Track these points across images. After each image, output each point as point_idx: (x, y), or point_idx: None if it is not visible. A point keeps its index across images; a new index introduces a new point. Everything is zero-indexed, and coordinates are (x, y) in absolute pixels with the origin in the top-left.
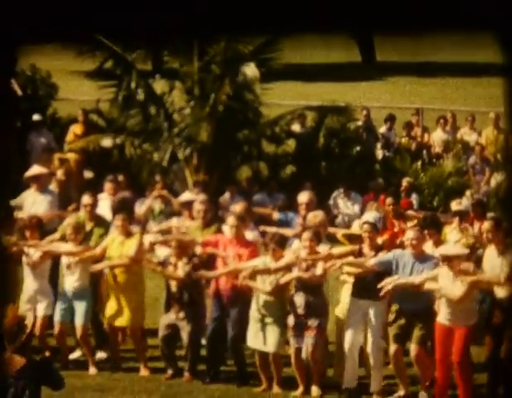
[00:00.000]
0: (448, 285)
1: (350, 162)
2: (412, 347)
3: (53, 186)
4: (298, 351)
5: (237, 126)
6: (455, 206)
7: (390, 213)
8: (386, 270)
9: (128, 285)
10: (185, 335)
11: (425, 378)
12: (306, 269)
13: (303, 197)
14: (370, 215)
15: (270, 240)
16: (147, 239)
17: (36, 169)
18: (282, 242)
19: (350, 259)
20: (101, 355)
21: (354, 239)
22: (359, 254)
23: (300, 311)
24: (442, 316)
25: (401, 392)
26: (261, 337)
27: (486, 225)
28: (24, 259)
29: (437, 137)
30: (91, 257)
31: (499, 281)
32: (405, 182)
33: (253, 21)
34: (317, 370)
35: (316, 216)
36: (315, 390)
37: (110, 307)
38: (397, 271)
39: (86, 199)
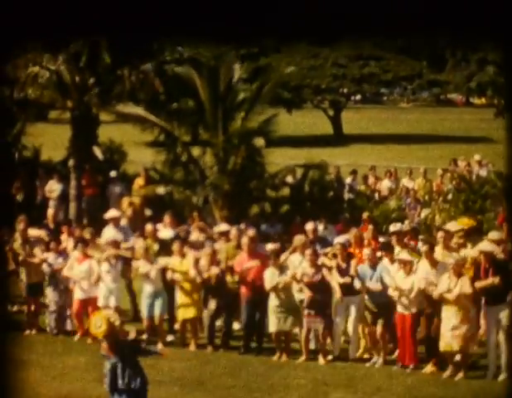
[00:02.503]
0: (401, 281)
1: (326, 202)
2: (378, 328)
3: (124, 221)
4: (308, 331)
5: (249, 178)
6: (392, 227)
7: (370, 236)
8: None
9: (189, 287)
10: (220, 322)
11: (385, 349)
12: (312, 276)
13: (309, 226)
14: (341, 238)
15: (271, 254)
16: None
17: (112, 212)
18: (279, 255)
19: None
20: (171, 338)
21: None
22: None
23: (307, 303)
24: (398, 306)
25: (375, 358)
26: (280, 322)
27: (420, 244)
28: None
29: (385, 184)
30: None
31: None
32: (365, 215)
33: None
34: (323, 345)
35: (300, 240)
36: (321, 359)
37: (180, 304)
38: (365, 277)
39: (149, 228)
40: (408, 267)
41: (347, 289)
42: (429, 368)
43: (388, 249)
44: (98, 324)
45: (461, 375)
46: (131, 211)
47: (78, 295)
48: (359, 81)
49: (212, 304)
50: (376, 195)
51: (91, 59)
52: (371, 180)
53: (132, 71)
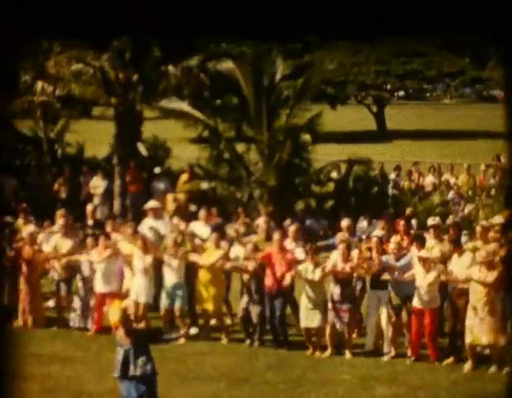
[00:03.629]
0: (421, 278)
1: (371, 197)
2: (404, 316)
3: (167, 218)
4: (333, 326)
5: (294, 174)
6: (430, 221)
7: (402, 231)
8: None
9: (211, 281)
10: (254, 315)
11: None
12: (342, 270)
13: (345, 223)
14: (378, 232)
15: (310, 249)
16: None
17: (152, 203)
18: (317, 251)
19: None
20: (194, 331)
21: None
22: (370, 258)
23: (337, 298)
24: (416, 300)
25: (393, 352)
26: (309, 318)
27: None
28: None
29: (428, 180)
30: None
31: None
32: (408, 210)
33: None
34: (349, 340)
35: (343, 235)
36: (348, 354)
37: (200, 295)
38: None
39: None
40: (426, 264)
41: (377, 283)
42: (449, 361)
43: (419, 241)
44: (113, 314)
45: (493, 369)
46: (175, 206)
47: (98, 288)
48: (402, 78)
49: (245, 297)
50: (420, 190)
51: (135, 55)
52: (415, 175)
53: (177, 67)
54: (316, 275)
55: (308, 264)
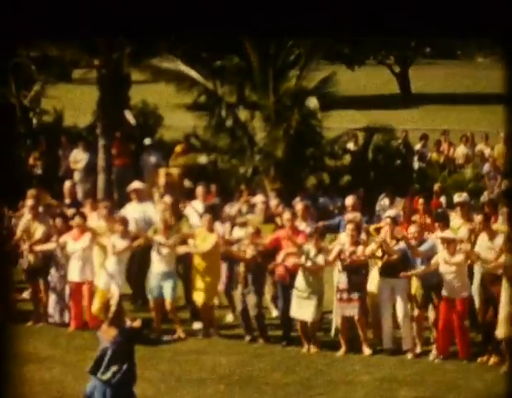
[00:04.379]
0: (446, 261)
1: (393, 171)
2: (431, 313)
3: (157, 197)
4: (344, 319)
5: (305, 145)
6: (456, 198)
7: (421, 210)
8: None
9: (205, 269)
10: (251, 307)
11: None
12: (350, 256)
13: (349, 201)
14: (392, 211)
15: (315, 232)
16: (236, 233)
17: (136, 184)
18: (323, 234)
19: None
20: (197, 325)
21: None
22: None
23: (344, 286)
24: (444, 290)
25: (418, 349)
26: (302, 309)
27: (479, 217)
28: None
29: (460, 151)
30: (180, 238)
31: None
32: (436, 186)
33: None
34: (364, 333)
35: (355, 217)
36: (366, 350)
37: (194, 286)
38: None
39: (167, 200)
40: (452, 246)
41: (390, 270)
42: (492, 360)
43: (443, 220)
44: (95, 302)
45: None
46: (165, 184)
47: (72, 277)
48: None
49: (239, 288)
50: (450, 163)
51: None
52: (444, 146)
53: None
54: (320, 260)
55: (311, 246)
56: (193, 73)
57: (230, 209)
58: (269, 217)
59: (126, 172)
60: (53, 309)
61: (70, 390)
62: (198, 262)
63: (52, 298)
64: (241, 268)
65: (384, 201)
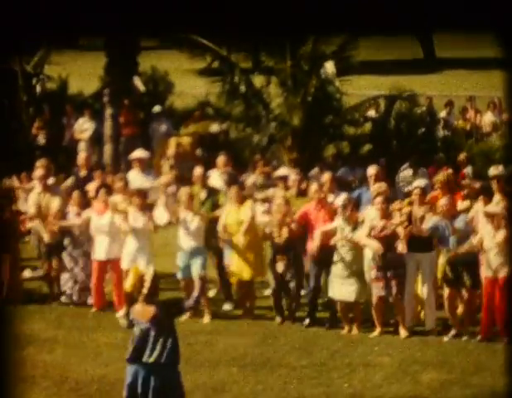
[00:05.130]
0: (489, 238)
1: (416, 140)
2: (464, 292)
3: (166, 168)
4: (380, 299)
5: (323, 113)
6: (493, 170)
7: (451, 182)
8: (434, 233)
9: (248, 245)
10: (291, 287)
11: (470, 320)
12: (381, 231)
13: (372, 170)
14: (421, 181)
15: (348, 203)
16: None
17: (138, 153)
18: (356, 206)
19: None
20: (227, 306)
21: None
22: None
23: (380, 264)
24: (484, 268)
25: (453, 331)
26: (344, 289)
27: None
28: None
29: (487, 118)
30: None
31: None
32: (462, 156)
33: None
34: (402, 314)
35: (380, 186)
36: (403, 332)
37: (234, 263)
38: (444, 232)
39: (198, 171)
40: (496, 221)
41: (417, 245)
42: None
43: (486, 193)
44: (128, 278)
45: None
46: (174, 154)
47: (97, 255)
48: None
49: (280, 266)
50: (476, 131)
51: None
52: (470, 113)
53: None
54: (358, 234)
55: (345, 221)
56: (205, 40)
57: (247, 181)
58: (300, 191)
59: (134, 141)
60: (70, 289)
61: (73, 373)
62: (237, 240)
63: (66, 276)
64: (278, 246)
65: (405, 171)
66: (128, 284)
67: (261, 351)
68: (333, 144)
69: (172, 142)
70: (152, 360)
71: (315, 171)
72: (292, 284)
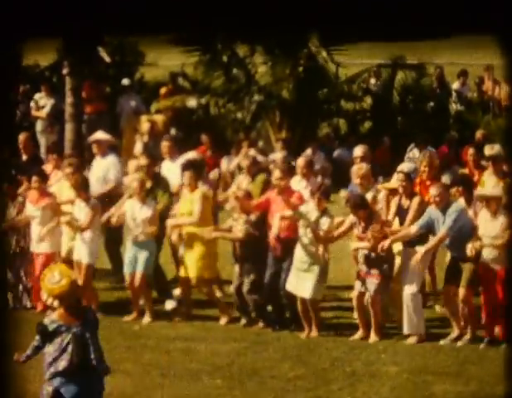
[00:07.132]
0: (487, 224)
1: (425, 116)
2: (461, 290)
3: (139, 148)
4: (361, 295)
5: (316, 85)
6: (488, 150)
7: (471, 163)
8: (429, 229)
9: (198, 239)
10: (245, 288)
11: (473, 321)
12: (363, 231)
13: (358, 152)
14: (405, 165)
15: (317, 190)
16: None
17: (98, 134)
18: (326, 192)
19: (399, 234)
20: (170, 305)
21: (392, 190)
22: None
23: (362, 259)
24: (484, 258)
25: (454, 333)
26: (300, 284)
27: None
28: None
29: (507, 90)
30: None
31: None
32: (479, 134)
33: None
34: (375, 317)
35: (360, 169)
36: (373, 336)
37: (182, 259)
38: (438, 226)
39: (143, 160)
40: (493, 205)
41: (415, 238)
42: None
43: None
44: (56, 278)
45: None
46: (148, 133)
47: (33, 248)
48: None
49: (240, 261)
50: (494, 105)
51: None
52: (487, 84)
53: None
54: (324, 223)
55: (312, 206)
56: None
57: (228, 164)
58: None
59: (99, 120)
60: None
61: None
62: (188, 230)
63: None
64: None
65: (413, 152)
66: (57, 286)
67: (248, 359)
68: (328, 122)
69: (143, 119)
70: (97, 364)
71: (307, 153)
72: (247, 281)
